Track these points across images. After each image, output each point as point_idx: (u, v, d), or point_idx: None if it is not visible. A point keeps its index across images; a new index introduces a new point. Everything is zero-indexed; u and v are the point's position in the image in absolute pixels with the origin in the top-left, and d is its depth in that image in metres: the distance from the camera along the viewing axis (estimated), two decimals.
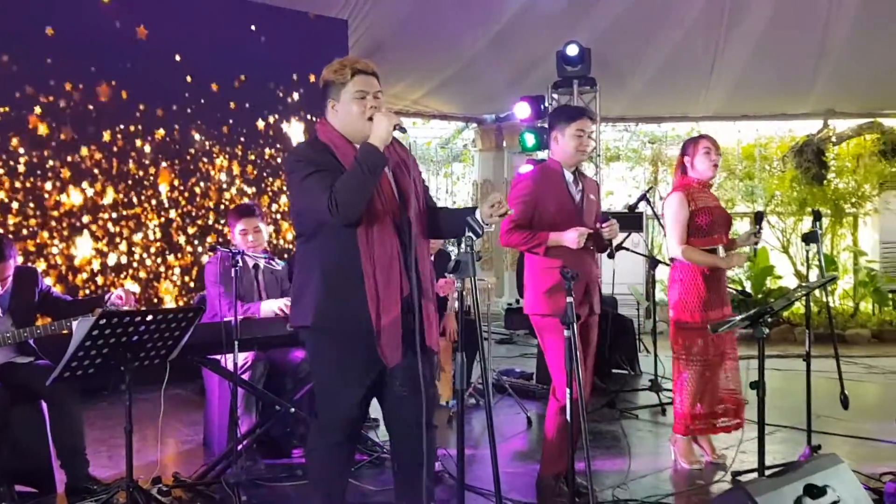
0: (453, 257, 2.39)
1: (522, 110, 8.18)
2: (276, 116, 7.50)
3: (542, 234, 3.58)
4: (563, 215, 3.62)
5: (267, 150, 7.44)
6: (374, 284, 2.69)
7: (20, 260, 4.45)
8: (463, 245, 2.45)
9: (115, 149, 6.38)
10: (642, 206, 5.80)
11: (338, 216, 2.61)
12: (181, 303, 6.69)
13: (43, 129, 6.00)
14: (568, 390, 2.79)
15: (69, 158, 6.12)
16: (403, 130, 2.70)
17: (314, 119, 7.62)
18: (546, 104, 8.20)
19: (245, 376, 4.15)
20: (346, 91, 2.77)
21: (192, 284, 6.78)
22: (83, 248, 6.16)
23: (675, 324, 4.17)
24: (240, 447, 3.89)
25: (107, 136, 6.34)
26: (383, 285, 2.70)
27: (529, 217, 3.61)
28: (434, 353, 2.89)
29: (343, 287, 2.71)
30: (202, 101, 6.95)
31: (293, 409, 4.11)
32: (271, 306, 4.25)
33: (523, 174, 3.80)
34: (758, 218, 4.21)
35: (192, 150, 6.88)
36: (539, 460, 3.82)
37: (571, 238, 3.51)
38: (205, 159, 6.99)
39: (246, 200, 7.12)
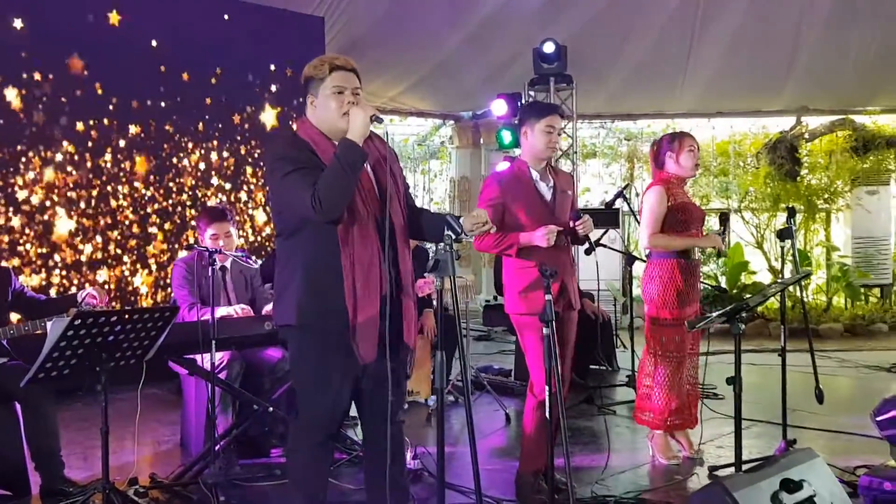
0: (432, 256, 2.39)
1: (499, 107, 8.20)
2: (252, 108, 7.43)
3: (511, 236, 3.57)
4: (534, 216, 3.61)
5: (242, 146, 7.38)
6: (352, 281, 2.69)
7: None
8: (443, 244, 2.45)
9: (89, 143, 6.30)
10: (619, 203, 5.83)
11: (321, 213, 2.61)
12: (159, 298, 6.63)
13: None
14: (547, 387, 2.80)
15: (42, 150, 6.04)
16: (380, 121, 2.70)
17: (293, 114, 7.58)
18: (523, 101, 8.23)
19: (221, 376, 4.12)
20: (325, 87, 2.77)
21: (168, 280, 6.72)
22: (56, 242, 6.08)
23: (652, 320, 4.19)
24: (217, 447, 3.86)
25: (80, 126, 6.26)
26: (362, 282, 2.70)
27: (499, 220, 3.58)
28: (410, 350, 2.90)
29: (323, 284, 2.71)
30: (176, 94, 6.89)
31: (271, 409, 4.10)
32: (227, 311, 4.21)
33: (490, 177, 3.79)
34: (722, 219, 4.25)
35: (166, 145, 6.81)
36: (518, 457, 3.83)
37: (540, 237, 3.50)
38: (180, 154, 6.92)
39: (217, 200, 7.07)
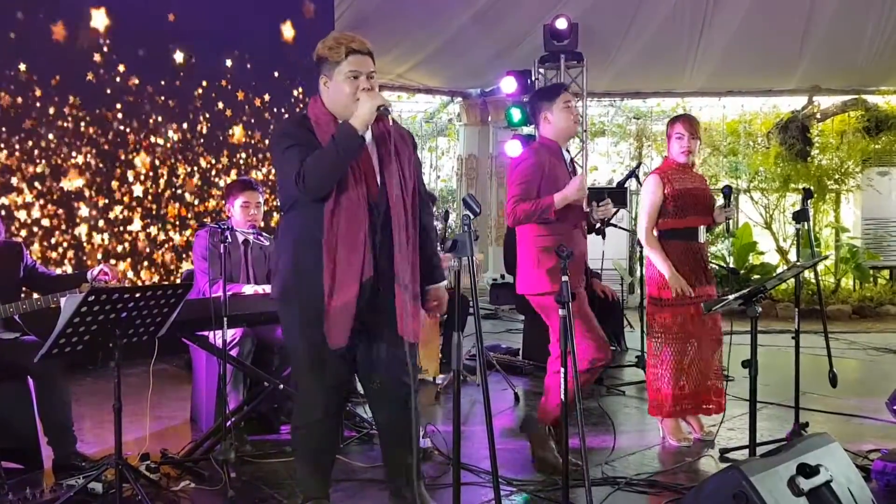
0: (450, 236, 2.37)
1: (509, 85, 8.12)
2: (254, 84, 7.38)
3: (546, 199, 3.55)
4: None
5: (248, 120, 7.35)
6: (332, 262, 2.69)
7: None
8: (459, 223, 2.43)
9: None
10: (631, 183, 5.79)
11: (303, 191, 2.64)
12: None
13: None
14: (563, 369, 2.79)
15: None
16: (387, 112, 2.69)
17: (305, 94, 7.53)
18: (533, 79, 8.15)
19: (233, 352, 4.12)
20: (340, 70, 2.75)
21: (172, 267, 6.73)
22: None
23: (653, 300, 4.18)
24: (228, 423, 3.86)
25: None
26: (343, 264, 2.69)
27: (534, 194, 3.58)
28: (407, 341, 2.82)
29: (308, 261, 2.73)
30: (185, 65, 6.84)
31: (281, 386, 4.10)
32: (255, 289, 4.24)
33: (521, 154, 3.77)
34: (725, 193, 4.19)
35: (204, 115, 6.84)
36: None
37: (574, 189, 3.51)
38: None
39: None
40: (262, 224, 4.65)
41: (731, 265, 9.70)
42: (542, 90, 4.26)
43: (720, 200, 4.24)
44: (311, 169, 2.61)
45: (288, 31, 7.57)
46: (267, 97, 7.46)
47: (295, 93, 7.67)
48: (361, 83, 2.72)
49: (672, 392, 4.13)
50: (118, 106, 6.38)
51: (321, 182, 2.64)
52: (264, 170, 7.33)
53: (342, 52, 2.73)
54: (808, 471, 2.49)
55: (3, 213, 5.64)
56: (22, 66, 5.82)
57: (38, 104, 5.92)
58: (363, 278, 2.71)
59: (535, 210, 3.55)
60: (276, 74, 7.52)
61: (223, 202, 5.24)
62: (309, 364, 2.83)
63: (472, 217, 2.35)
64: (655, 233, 4.15)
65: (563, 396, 2.80)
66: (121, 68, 6.38)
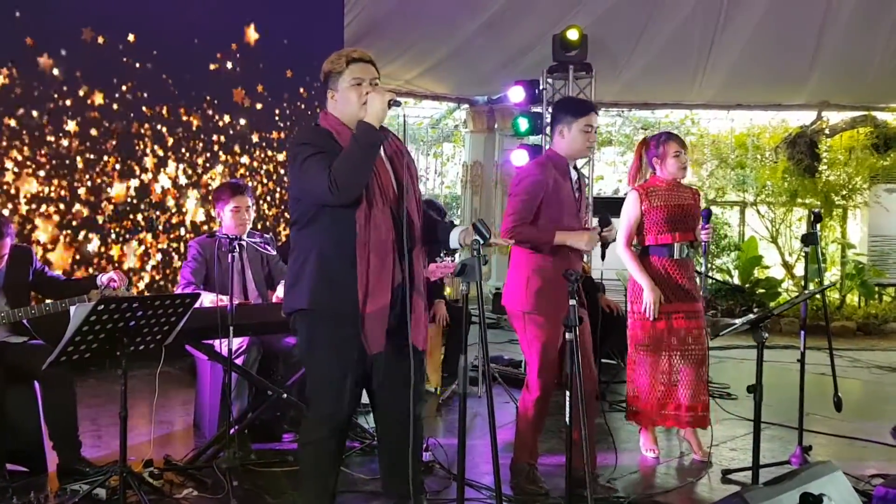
0: (459, 260, 2.38)
1: (517, 94, 8.08)
2: (267, 92, 7.40)
3: (547, 234, 3.53)
4: (568, 208, 3.60)
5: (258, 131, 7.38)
6: (366, 268, 2.70)
7: None
8: (469, 249, 2.43)
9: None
10: None
11: (337, 194, 2.63)
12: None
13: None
14: (567, 392, 2.79)
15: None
16: (398, 104, 2.71)
17: (316, 104, 7.56)
18: (541, 88, 8.14)
19: (239, 360, 4.13)
20: (343, 80, 2.81)
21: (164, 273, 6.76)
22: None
23: (630, 311, 4.22)
24: (231, 431, 3.87)
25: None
26: (375, 271, 2.71)
27: (531, 210, 3.55)
28: (420, 351, 2.86)
29: (337, 270, 2.73)
30: (197, 72, 6.87)
31: (285, 395, 4.11)
32: (210, 298, 4.21)
33: (527, 164, 3.74)
34: (704, 216, 4.19)
35: (180, 130, 6.82)
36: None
37: (580, 241, 3.49)
38: (193, 139, 6.92)
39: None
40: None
41: (736, 279, 9.69)
42: (569, 102, 4.16)
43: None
44: (340, 171, 2.62)
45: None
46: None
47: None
48: (364, 89, 2.77)
49: (647, 402, 4.16)
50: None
51: (352, 181, 2.64)
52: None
53: (343, 62, 2.81)
54: (811, 500, 2.48)
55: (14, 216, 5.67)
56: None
57: None
58: (394, 284, 2.74)
59: (534, 240, 3.55)
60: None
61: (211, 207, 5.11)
62: (327, 374, 2.81)
63: (480, 242, 2.35)
64: (638, 247, 4.20)
65: (567, 420, 2.80)
66: None
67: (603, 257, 3.61)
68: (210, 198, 6.31)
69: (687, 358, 4.13)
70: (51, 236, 5.94)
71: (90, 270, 6.07)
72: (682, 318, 4.11)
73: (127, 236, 6.42)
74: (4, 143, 5.72)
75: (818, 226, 3.98)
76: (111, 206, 6.32)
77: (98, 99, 6.21)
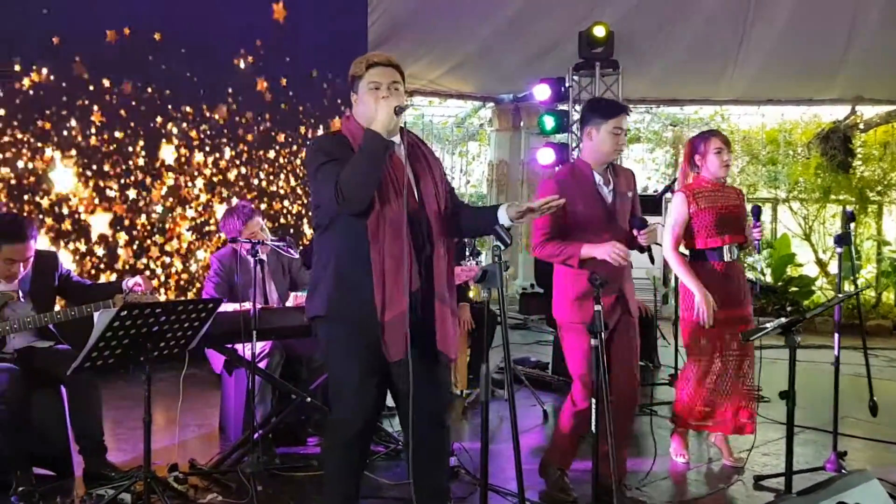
0: (480, 267, 2.33)
1: (542, 92, 8.03)
2: (293, 92, 7.40)
3: (572, 247, 3.42)
4: (594, 220, 3.46)
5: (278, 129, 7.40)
6: (381, 275, 2.68)
7: None
8: (491, 255, 2.38)
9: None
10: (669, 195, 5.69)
11: (343, 204, 2.63)
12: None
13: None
14: (593, 400, 2.73)
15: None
16: (403, 110, 2.67)
17: (342, 104, 7.55)
18: (567, 86, 8.07)
19: (262, 364, 4.12)
20: (363, 84, 2.83)
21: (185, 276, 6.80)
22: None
23: (683, 318, 4.13)
24: (256, 435, 3.87)
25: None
26: (392, 277, 2.68)
27: (559, 224, 3.45)
28: (446, 356, 2.82)
29: (353, 277, 2.72)
30: (221, 73, 6.90)
31: (308, 399, 4.09)
32: (233, 307, 4.17)
33: (549, 180, 3.62)
34: (755, 213, 4.08)
35: (206, 127, 6.85)
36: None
37: (605, 252, 3.34)
38: (221, 138, 6.95)
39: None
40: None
41: (769, 279, 9.52)
42: (600, 102, 4.02)
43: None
44: (345, 181, 2.61)
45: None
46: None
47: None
48: (382, 93, 2.76)
49: (691, 408, 4.08)
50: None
51: (358, 192, 2.63)
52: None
53: (363, 67, 2.83)
54: None
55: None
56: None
57: None
58: (411, 289, 2.71)
59: (560, 256, 3.45)
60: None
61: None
62: (347, 379, 2.80)
63: (501, 248, 2.30)
64: (686, 252, 4.08)
65: (593, 428, 2.74)
66: None
67: (652, 261, 3.49)
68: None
69: (735, 364, 4.04)
70: (81, 237, 6.00)
71: (120, 270, 6.11)
72: (731, 323, 3.98)
73: (156, 237, 6.47)
74: (36, 142, 5.78)
75: (852, 225, 3.86)
76: (141, 206, 6.37)
77: (124, 95, 6.26)
